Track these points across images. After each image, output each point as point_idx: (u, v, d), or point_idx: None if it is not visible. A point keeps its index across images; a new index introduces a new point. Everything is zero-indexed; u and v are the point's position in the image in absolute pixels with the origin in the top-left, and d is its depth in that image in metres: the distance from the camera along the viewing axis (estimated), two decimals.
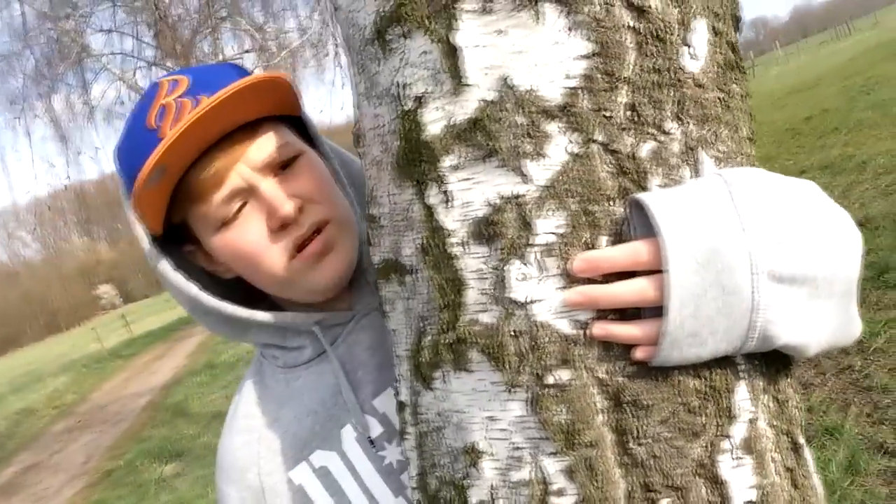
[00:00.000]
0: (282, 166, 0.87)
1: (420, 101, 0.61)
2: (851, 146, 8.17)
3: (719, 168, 0.59)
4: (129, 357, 19.46)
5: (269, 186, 0.84)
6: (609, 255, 0.55)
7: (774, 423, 0.60)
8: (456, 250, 0.60)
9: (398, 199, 0.66)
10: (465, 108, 0.59)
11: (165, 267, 0.88)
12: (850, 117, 9.76)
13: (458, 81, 0.59)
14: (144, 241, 0.88)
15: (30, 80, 10.46)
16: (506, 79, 0.57)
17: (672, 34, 0.57)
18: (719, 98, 0.60)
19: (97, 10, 9.86)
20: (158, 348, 19.16)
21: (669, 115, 0.57)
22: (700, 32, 0.59)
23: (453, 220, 0.60)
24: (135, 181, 0.78)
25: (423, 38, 0.60)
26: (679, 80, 0.57)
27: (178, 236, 0.91)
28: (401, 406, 0.73)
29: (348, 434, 0.90)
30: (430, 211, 0.62)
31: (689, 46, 0.58)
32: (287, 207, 0.82)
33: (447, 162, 0.60)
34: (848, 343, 0.63)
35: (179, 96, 0.83)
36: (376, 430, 0.90)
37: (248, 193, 0.84)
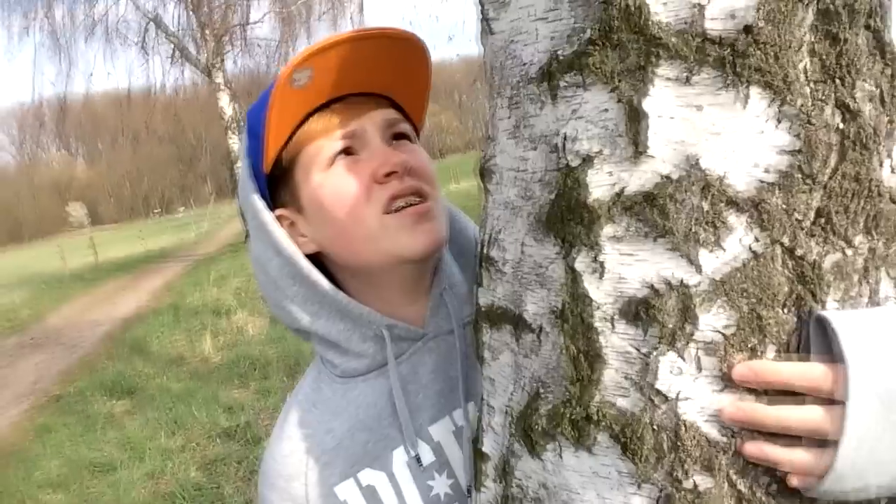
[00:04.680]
0: (397, 137, 0.90)
1: (588, 160, 0.57)
2: None
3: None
4: (91, 282, 19.12)
5: (383, 143, 0.88)
6: (781, 370, 0.52)
7: None
8: (600, 325, 0.57)
9: (533, 252, 0.62)
10: (641, 179, 0.55)
11: (268, 217, 0.88)
12: None
13: (637, 149, 0.55)
14: (248, 184, 0.90)
15: None
16: (696, 159, 0.53)
17: (878, 143, 0.54)
18: None
19: None
20: (123, 279, 18.86)
21: (861, 228, 0.54)
22: None
23: (603, 293, 0.56)
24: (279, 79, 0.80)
25: (605, 94, 0.56)
26: (877, 193, 0.54)
27: (271, 194, 0.92)
28: (481, 455, 0.70)
29: (399, 457, 0.88)
30: (575, 276, 0.58)
31: (890, 158, 0.54)
32: (401, 156, 0.85)
33: (608, 231, 0.56)
34: None
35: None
36: (428, 457, 0.87)
37: (362, 144, 0.87)
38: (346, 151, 0.86)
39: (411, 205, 0.85)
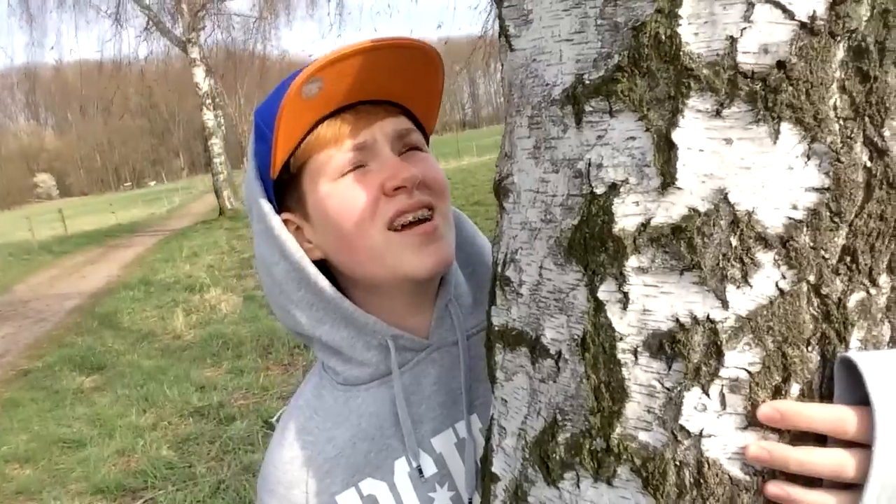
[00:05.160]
0: (408, 148, 0.89)
1: (615, 188, 0.56)
2: None
3: None
4: (59, 254, 18.82)
5: (393, 155, 0.86)
6: (807, 413, 0.52)
7: None
8: (624, 357, 0.56)
9: (553, 277, 0.61)
10: (670, 211, 0.54)
11: (276, 222, 0.87)
12: None
13: (666, 181, 0.54)
14: (255, 186, 0.89)
15: None
16: (724, 193, 0.53)
17: None
18: None
19: None
20: (92, 252, 18.57)
21: (885, 267, 0.54)
22: None
23: (627, 325, 0.56)
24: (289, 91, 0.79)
25: (634, 122, 0.55)
26: None
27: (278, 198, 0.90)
28: (491, 476, 0.70)
29: (401, 467, 0.87)
30: (599, 305, 0.57)
31: None
32: (411, 170, 0.83)
33: (634, 262, 0.55)
34: None
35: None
36: (430, 469, 0.87)
37: (372, 155, 0.85)
38: (358, 165, 0.85)
39: (419, 220, 0.84)
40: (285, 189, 0.89)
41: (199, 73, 14.47)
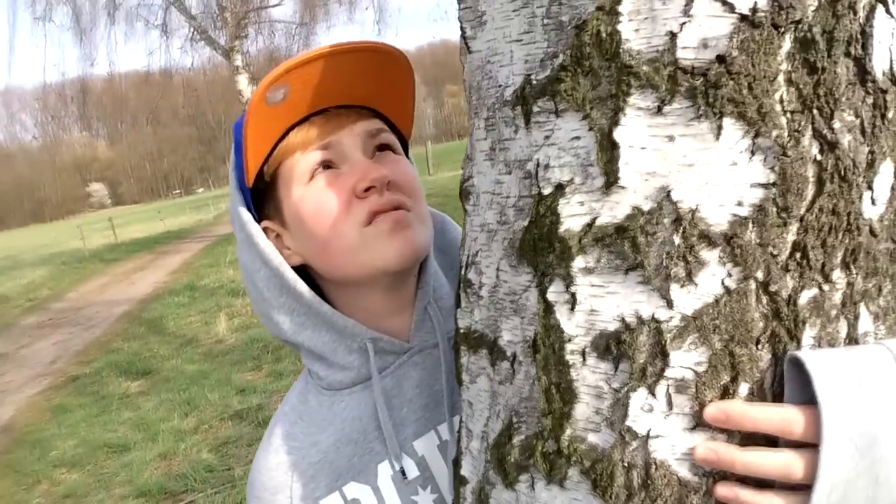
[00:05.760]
0: (379, 148, 0.89)
1: (561, 189, 0.56)
2: None
3: (876, 325, 0.54)
4: (110, 262, 19.32)
5: (363, 157, 0.86)
6: (753, 413, 0.50)
7: None
8: (572, 358, 0.55)
9: (509, 279, 0.61)
10: (614, 211, 0.53)
11: (254, 229, 0.88)
12: None
13: (610, 180, 0.53)
14: (235, 196, 0.90)
15: None
16: (667, 191, 0.52)
17: (858, 175, 0.52)
18: (889, 249, 0.54)
19: None
20: (142, 258, 19.03)
21: (839, 262, 0.52)
22: (885, 175, 0.53)
23: (575, 326, 0.55)
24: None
25: (578, 122, 0.55)
26: (856, 227, 0.52)
27: (258, 207, 0.92)
28: (461, 479, 0.69)
29: (385, 471, 0.87)
30: (548, 307, 0.57)
31: (871, 191, 0.53)
32: (381, 171, 0.83)
33: (580, 262, 0.55)
34: None
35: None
36: (412, 472, 0.87)
37: (341, 156, 0.86)
38: (326, 165, 0.85)
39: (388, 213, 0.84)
40: (263, 197, 0.90)
41: (243, 81, 14.71)
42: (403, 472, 0.86)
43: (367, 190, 0.83)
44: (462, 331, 0.69)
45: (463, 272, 0.69)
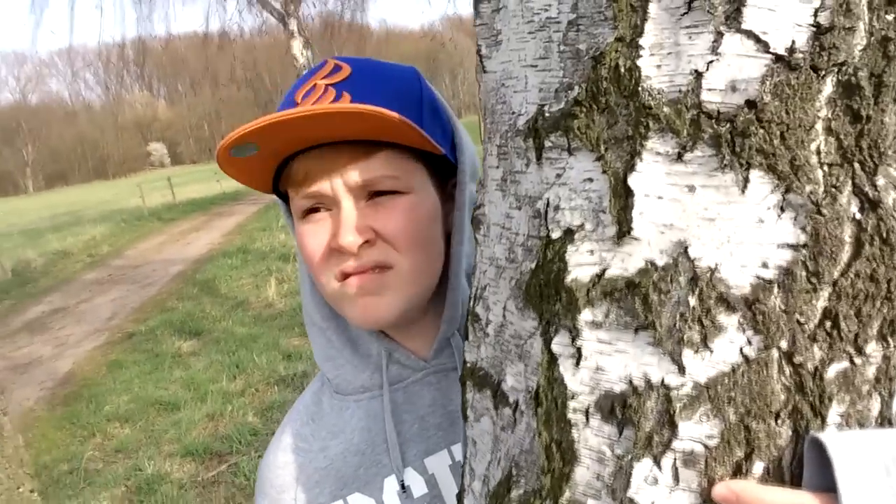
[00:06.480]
0: (377, 193, 0.80)
1: (571, 234, 0.51)
2: None
3: None
4: (168, 221, 19.78)
5: (348, 209, 0.79)
6: (768, 499, 0.46)
7: None
8: (574, 417, 0.52)
9: (515, 322, 0.57)
10: (626, 264, 0.49)
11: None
12: None
13: (622, 229, 0.49)
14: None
15: None
16: (685, 246, 0.47)
17: None
18: None
19: None
20: (198, 219, 19.43)
21: (875, 334, 0.47)
22: None
23: (580, 383, 0.51)
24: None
25: (591, 163, 0.50)
26: None
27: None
28: None
29: (391, 485, 0.86)
30: (553, 358, 0.53)
31: None
32: (348, 238, 0.77)
33: (588, 315, 0.51)
34: None
35: (332, 83, 0.80)
36: (420, 489, 0.85)
37: (332, 203, 0.80)
38: (315, 208, 0.81)
39: (364, 274, 0.79)
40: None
41: (297, 46, 14.73)
42: (405, 487, 0.84)
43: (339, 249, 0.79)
44: (468, 365, 0.65)
45: (472, 304, 0.65)
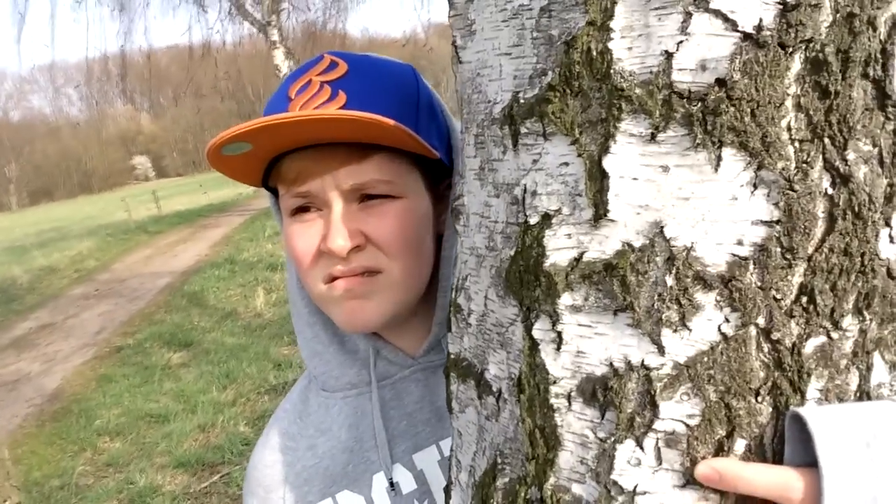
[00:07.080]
0: (369, 197, 0.79)
1: (548, 219, 0.51)
2: None
3: (892, 376, 0.49)
4: (154, 234, 19.66)
5: (339, 212, 0.78)
6: (749, 476, 0.46)
7: None
8: (557, 402, 0.52)
9: (496, 309, 0.57)
10: (603, 246, 0.49)
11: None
12: None
13: (599, 212, 0.49)
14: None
15: None
16: (660, 226, 0.47)
17: (874, 211, 0.47)
18: None
19: None
20: (184, 231, 19.33)
21: (850, 308, 0.47)
22: None
23: (561, 367, 0.51)
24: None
25: (566, 147, 0.50)
26: (871, 269, 0.47)
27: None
28: None
29: (379, 482, 0.86)
30: (534, 344, 0.53)
31: (889, 228, 0.47)
32: (338, 242, 0.76)
33: (567, 299, 0.51)
34: None
35: (327, 80, 0.78)
36: (409, 485, 0.85)
37: (323, 204, 0.79)
38: (305, 207, 0.80)
39: (351, 277, 0.79)
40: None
41: (279, 55, 14.71)
42: (393, 483, 0.84)
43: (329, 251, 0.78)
44: (452, 356, 0.65)
45: (453, 296, 0.65)
